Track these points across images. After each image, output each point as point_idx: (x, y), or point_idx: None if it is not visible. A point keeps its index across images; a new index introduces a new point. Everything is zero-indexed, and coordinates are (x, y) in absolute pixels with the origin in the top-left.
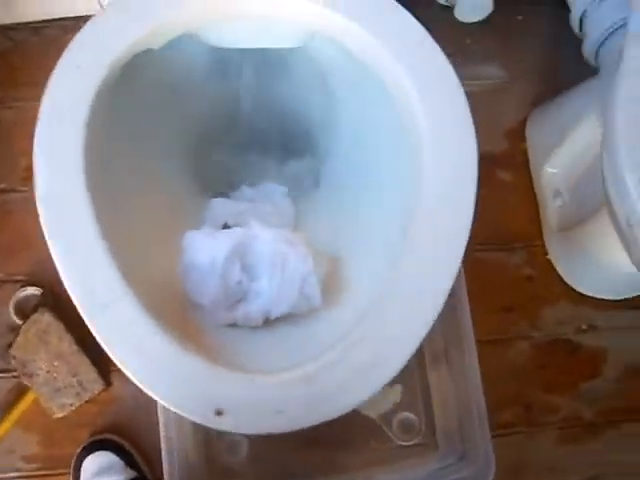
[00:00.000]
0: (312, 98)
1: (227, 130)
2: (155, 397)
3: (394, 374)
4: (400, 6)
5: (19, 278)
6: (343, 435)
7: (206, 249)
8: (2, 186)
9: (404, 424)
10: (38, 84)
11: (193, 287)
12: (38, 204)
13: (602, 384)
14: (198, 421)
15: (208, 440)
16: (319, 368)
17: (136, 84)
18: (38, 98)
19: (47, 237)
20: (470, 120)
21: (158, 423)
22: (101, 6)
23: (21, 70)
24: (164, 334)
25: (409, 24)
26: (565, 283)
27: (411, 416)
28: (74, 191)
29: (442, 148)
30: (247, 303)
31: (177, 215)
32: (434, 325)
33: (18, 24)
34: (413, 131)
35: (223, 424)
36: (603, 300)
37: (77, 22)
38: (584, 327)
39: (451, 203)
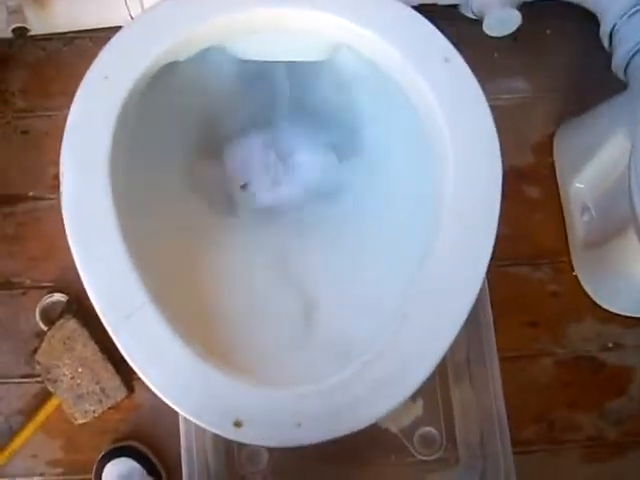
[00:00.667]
0: (338, 109)
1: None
2: (174, 407)
3: (413, 390)
4: (426, 20)
5: (45, 285)
6: (364, 449)
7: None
8: (31, 194)
9: (425, 438)
10: (68, 94)
11: (237, 166)
12: (63, 213)
13: (627, 404)
14: (217, 432)
15: (228, 449)
16: (338, 382)
17: (162, 95)
18: (68, 108)
19: (71, 246)
20: (495, 135)
21: (179, 431)
22: (132, 18)
23: (52, 80)
24: (185, 345)
25: (435, 39)
26: (591, 300)
27: (433, 430)
28: (99, 201)
29: (466, 162)
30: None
31: (200, 222)
32: (456, 340)
33: (50, 34)
34: (436, 145)
35: (241, 436)
36: (630, 318)
37: (108, 33)
38: (610, 345)
39: (474, 218)
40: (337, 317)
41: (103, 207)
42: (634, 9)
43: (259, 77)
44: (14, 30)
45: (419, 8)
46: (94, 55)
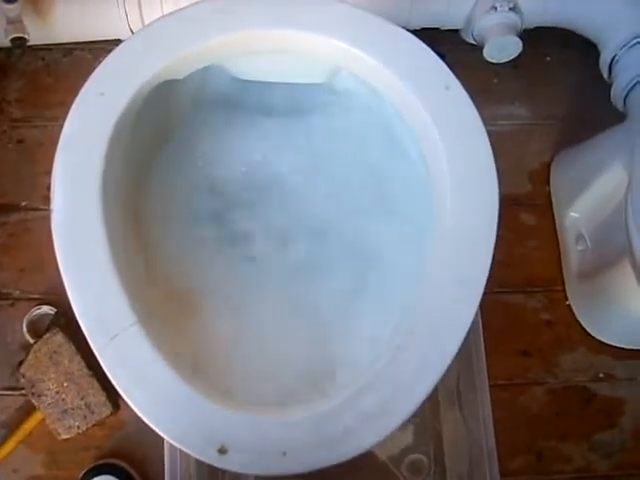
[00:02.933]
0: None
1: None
2: (158, 431)
3: (402, 422)
4: (428, 48)
5: (34, 296)
6: (351, 476)
7: None
8: (23, 204)
9: (414, 465)
10: (65, 105)
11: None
12: (53, 231)
13: (618, 436)
14: (200, 458)
15: (213, 471)
16: (327, 411)
17: (158, 113)
18: (64, 118)
19: (60, 264)
20: (492, 163)
21: (163, 450)
22: (132, 32)
23: (49, 90)
24: (171, 368)
25: (436, 67)
26: (584, 330)
27: (421, 457)
28: (89, 220)
29: (462, 190)
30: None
31: (194, 241)
32: (447, 369)
33: (50, 45)
34: (433, 170)
35: (226, 463)
36: (622, 349)
37: (108, 45)
38: (601, 375)
39: (470, 247)
40: (331, 345)
41: (93, 226)
42: (634, 41)
43: (255, 95)
44: (13, 40)
45: (421, 32)
46: (93, 67)
